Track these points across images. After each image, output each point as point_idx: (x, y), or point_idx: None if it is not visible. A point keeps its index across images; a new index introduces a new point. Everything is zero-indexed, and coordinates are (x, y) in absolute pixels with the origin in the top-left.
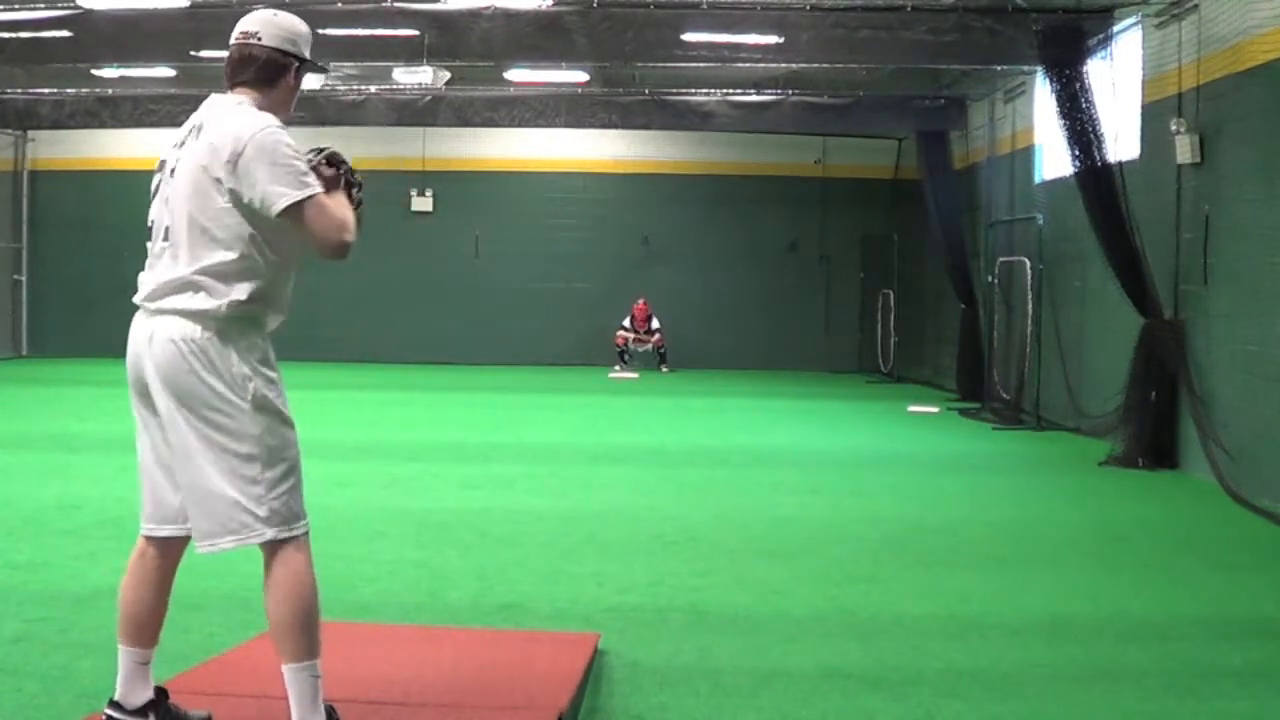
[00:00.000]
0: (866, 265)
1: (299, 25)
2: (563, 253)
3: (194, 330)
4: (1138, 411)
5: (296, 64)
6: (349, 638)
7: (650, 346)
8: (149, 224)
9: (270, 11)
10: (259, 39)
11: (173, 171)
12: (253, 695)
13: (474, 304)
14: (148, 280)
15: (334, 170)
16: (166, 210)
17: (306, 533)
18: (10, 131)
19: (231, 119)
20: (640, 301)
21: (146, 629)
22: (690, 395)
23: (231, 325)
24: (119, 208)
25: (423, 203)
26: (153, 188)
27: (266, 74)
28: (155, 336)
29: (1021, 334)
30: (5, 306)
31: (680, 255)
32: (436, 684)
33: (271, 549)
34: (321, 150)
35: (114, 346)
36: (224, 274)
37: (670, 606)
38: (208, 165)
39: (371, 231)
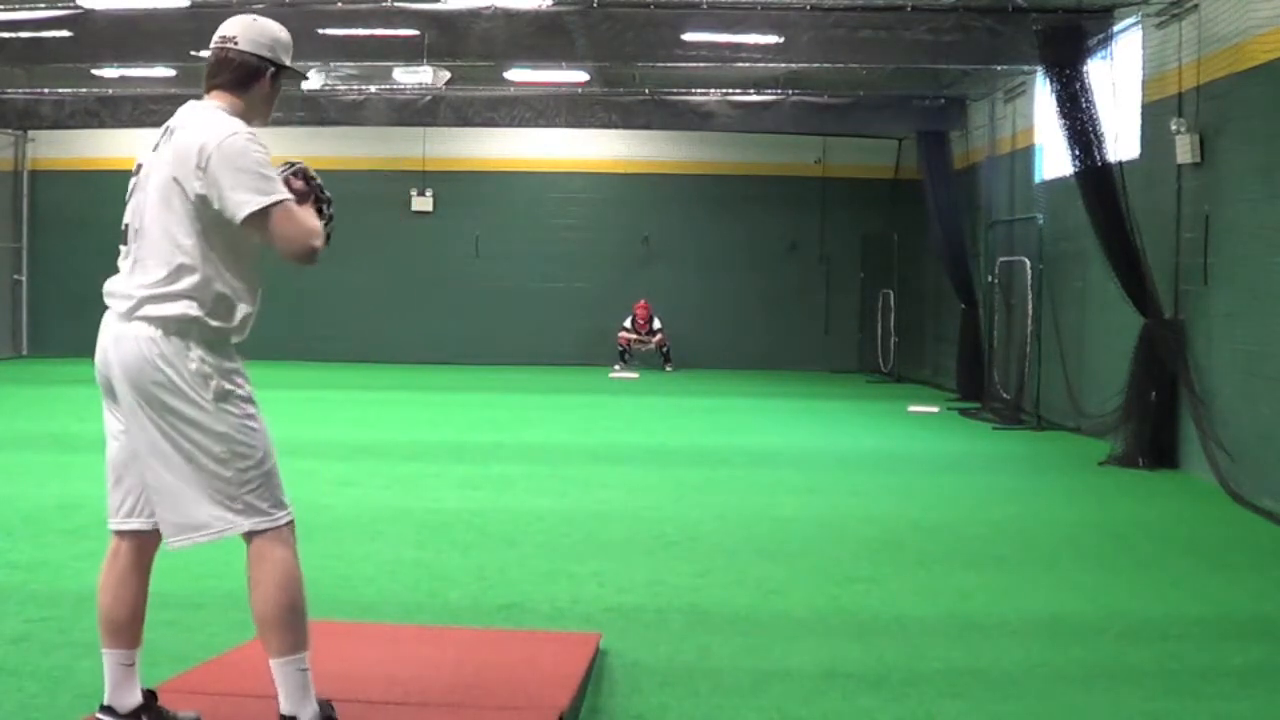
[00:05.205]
0: (866, 265)
1: (278, 31)
2: (563, 253)
3: (157, 333)
4: (1138, 411)
5: (273, 69)
6: (349, 638)
7: (653, 346)
8: (123, 227)
9: (250, 17)
10: (236, 43)
11: (147, 176)
12: (252, 695)
13: (474, 304)
14: (118, 284)
15: (304, 184)
16: (136, 215)
17: (290, 524)
18: (10, 131)
19: (200, 124)
20: (641, 302)
21: (126, 630)
22: (690, 395)
23: (193, 327)
24: (119, 208)
25: (423, 203)
26: (128, 191)
27: (240, 77)
28: (122, 338)
29: (1021, 334)
30: (5, 306)
31: (680, 255)
32: (436, 684)
33: (252, 541)
34: (292, 165)
35: None
36: (188, 280)
37: (670, 606)
38: (175, 172)
39: (371, 231)
